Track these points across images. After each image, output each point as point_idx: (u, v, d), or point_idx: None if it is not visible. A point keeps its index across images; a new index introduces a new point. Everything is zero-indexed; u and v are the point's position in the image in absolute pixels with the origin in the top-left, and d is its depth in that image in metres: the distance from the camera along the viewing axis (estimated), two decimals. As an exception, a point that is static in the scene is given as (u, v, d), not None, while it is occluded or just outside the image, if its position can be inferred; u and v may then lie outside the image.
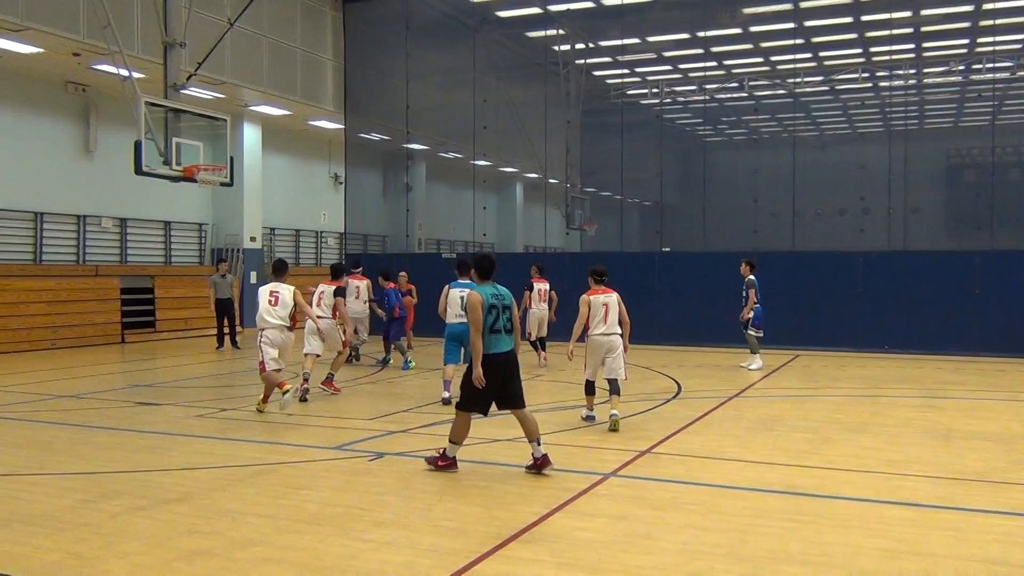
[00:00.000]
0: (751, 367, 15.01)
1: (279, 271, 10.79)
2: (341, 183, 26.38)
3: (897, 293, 17.80)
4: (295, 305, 10.37)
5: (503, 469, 7.46)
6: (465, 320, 11.56)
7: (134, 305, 20.71)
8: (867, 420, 10.10)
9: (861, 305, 18.10)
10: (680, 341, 18.81)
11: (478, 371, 7.09)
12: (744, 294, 15.00)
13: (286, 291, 10.38)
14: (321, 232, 28.46)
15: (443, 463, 7.33)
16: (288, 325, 10.32)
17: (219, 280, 18.74)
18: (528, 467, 7.29)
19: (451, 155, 29.53)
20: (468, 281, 11.45)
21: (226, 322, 18.73)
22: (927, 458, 8.04)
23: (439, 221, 30.43)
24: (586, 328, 9.56)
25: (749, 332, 15.08)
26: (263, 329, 10.23)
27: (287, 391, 9.88)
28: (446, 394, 11.08)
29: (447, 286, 11.67)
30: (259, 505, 6.31)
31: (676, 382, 13.25)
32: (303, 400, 11.11)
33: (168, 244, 22.92)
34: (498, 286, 7.47)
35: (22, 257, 19.20)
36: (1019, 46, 23.07)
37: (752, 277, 14.98)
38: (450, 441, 7.37)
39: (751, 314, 14.95)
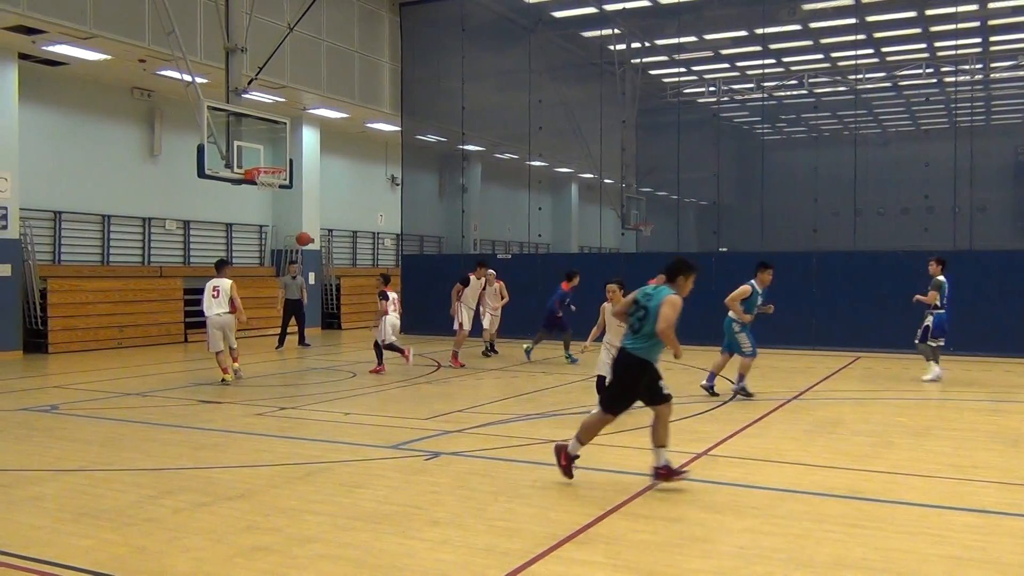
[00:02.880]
0: (926, 378, 13.56)
1: (220, 268, 13.68)
2: (398, 184, 26.62)
3: (963, 294, 17.23)
4: (231, 297, 13.29)
5: (558, 470, 7.42)
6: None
7: (196, 305, 20.97)
8: (931, 424, 9.85)
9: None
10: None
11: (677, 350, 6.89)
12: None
13: (225, 285, 13.31)
14: (378, 233, 28.76)
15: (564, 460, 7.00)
16: (228, 311, 13.27)
17: (289, 281, 19.25)
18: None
19: (506, 156, 29.60)
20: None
21: (293, 321, 19.22)
22: (995, 463, 7.81)
23: (494, 222, 30.53)
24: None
25: (928, 342, 13.52)
26: (209, 317, 13.23)
27: (224, 379, 13.07)
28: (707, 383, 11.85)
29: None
30: (317, 503, 6.40)
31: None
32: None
33: (229, 245, 23.37)
34: (656, 288, 7.20)
35: (90, 259, 19.77)
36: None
37: (941, 278, 13.40)
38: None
39: (929, 320, 13.41)
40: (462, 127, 23.38)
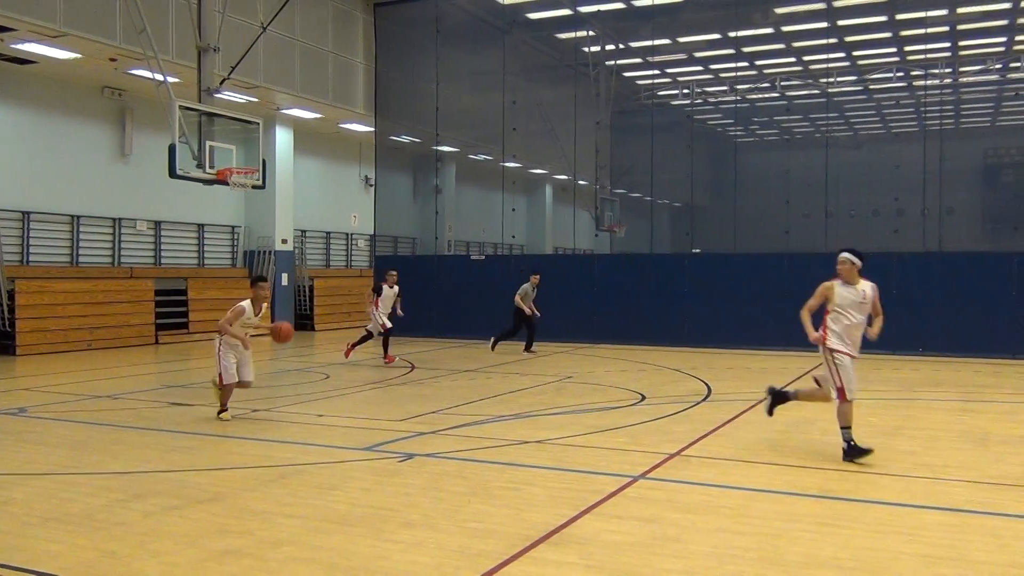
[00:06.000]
0: None
1: None
2: (371, 185, 26.53)
3: (932, 295, 17.52)
4: None
5: (532, 471, 7.44)
6: None
7: (168, 307, 20.95)
8: (901, 423, 9.97)
9: (895, 307, 17.73)
10: (710, 343, 18.67)
11: None
12: None
13: None
14: (351, 234, 28.63)
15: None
16: None
17: (529, 291, 18.68)
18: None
19: (481, 157, 29.61)
20: None
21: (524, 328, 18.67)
22: (964, 462, 7.90)
23: (468, 223, 30.52)
24: None
25: None
26: None
27: None
28: None
29: None
30: (290, 505, 6.35)
31: (706, 384, 13.15)
32: None
33: (201, 247, 23.17)
34: None
35: (59, 259, 19.51)
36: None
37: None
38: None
39: None
40: (436, 128, 23.34)
